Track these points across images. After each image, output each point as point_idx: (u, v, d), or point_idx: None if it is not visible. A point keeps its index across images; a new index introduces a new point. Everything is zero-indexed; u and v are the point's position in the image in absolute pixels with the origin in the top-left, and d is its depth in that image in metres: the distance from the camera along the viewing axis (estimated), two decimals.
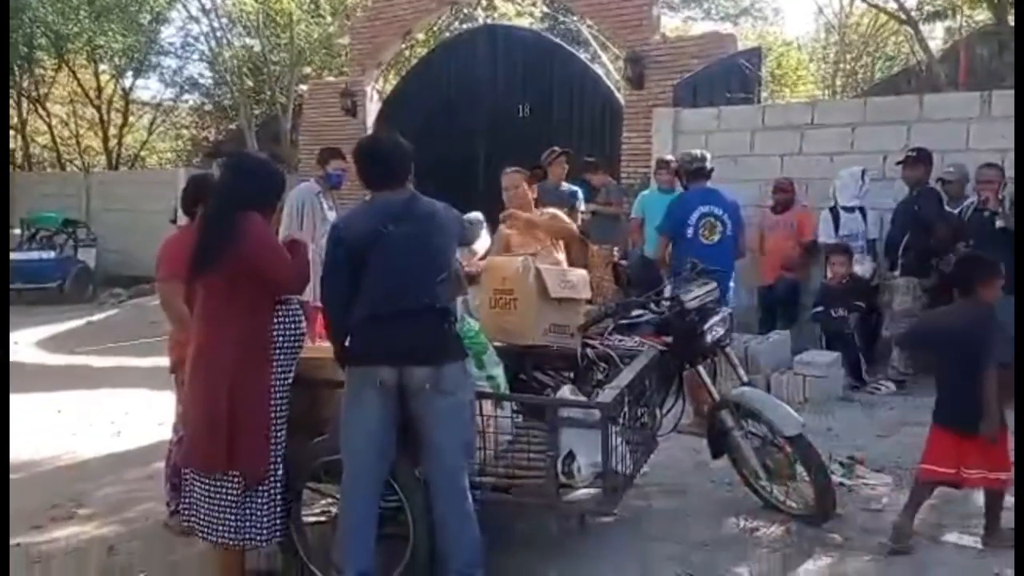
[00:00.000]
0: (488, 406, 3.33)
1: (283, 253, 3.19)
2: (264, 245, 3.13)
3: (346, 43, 15.00)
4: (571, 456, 3.21)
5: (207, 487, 3.14)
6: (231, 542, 3.12)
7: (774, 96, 15.85)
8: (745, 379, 4.14)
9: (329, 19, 18.06)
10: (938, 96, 7.83)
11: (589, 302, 4.38)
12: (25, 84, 19.33)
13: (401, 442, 3.08)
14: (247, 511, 3.11)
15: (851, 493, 4.19)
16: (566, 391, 3.66)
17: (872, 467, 4.57)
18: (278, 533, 3.22)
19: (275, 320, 3.16)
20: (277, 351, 3.15)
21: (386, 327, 2.99)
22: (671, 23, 18.24)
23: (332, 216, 5.89)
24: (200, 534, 3.20)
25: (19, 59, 17.50)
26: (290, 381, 3.20)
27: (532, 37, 12.72)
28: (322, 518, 3.74)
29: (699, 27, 19.75)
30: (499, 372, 3.55)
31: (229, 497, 3.10)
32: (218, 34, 18.18)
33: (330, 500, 3.67)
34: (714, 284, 4.17)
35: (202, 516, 3.16)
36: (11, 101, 18.67)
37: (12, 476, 4.75)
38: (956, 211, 6.20)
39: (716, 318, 4.00)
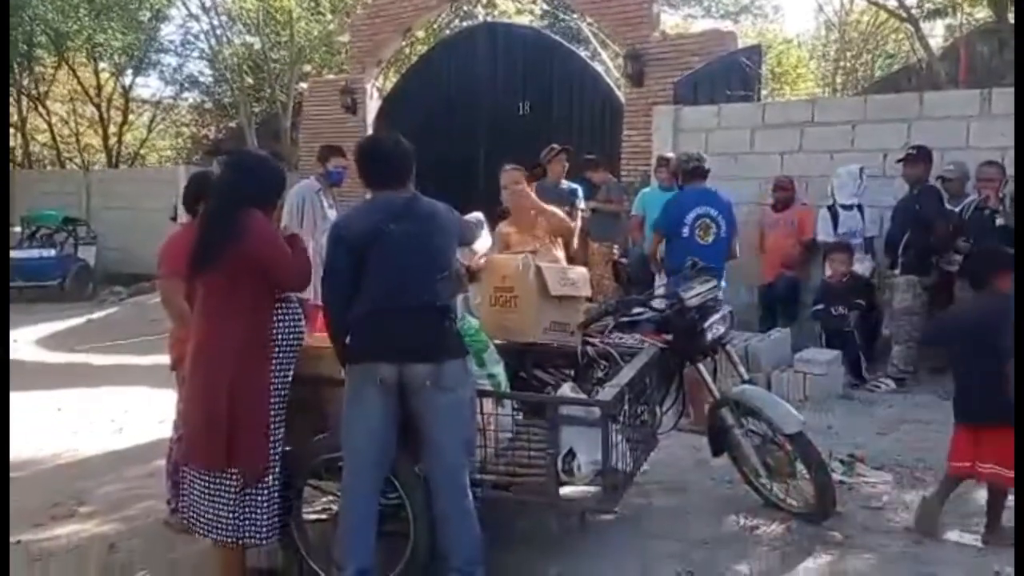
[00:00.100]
0: (488, 404, 3.33)
1: (286, 249, 3.20)
2: (267, 242, 3.13)
3: (346, 41, 15.00)
4: (571, 454, 3.21)
5: (206, 485, 3.14)
6: (230, 540, 3.13)
7: (774, 94, 15.85)
8: (745, 377, 4.13)
9: (329, 16, 18.05)
10: (938, 94, 7.83)
11: (589, 300, 4.39)
12: (25, 82, 19.33)
13: (402, 439, 3.08)
14: (246, 509, 3.11)
15: (851, 491, 4.19)
16: (566, 389, 3.66)
17: (872, 465, 4.57)
18: (277, 531, 3.22)
19: (275, 318, 3.16)
20: (277, 349, 3.15)
21: (386, 324, 2.99)
22: (671, 20, 18.21)
23: (332, 214, 5.89)
24: (199, 532, 3.21)
25: (19, 57, 17.49)
26: (289, 380, 3.20)
27: (532, 35, 12.72)
28: (323, 516, 3.75)
29: (699, 25, 19.73)
30: (499, 370, 3.55)
31: (228, 495, 3.11)
32: (218, 32, 18.17)
33: (331, 498, 3.67)
34: (715, 282, 4.17)
35: (201, 514, 3.16)
36: (11, 99, 18.66)
37: (13, 474, 4.75)
38: (957, 209, 6.19)
39: (716, 316, 4.00)
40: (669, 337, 3.96)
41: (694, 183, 5.71)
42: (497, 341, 3.69)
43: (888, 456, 4.72)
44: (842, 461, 4.52)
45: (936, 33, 14.65)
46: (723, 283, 5.51)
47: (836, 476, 4.15)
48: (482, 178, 10.33)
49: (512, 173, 5.01)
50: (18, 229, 14.84)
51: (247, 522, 3.11)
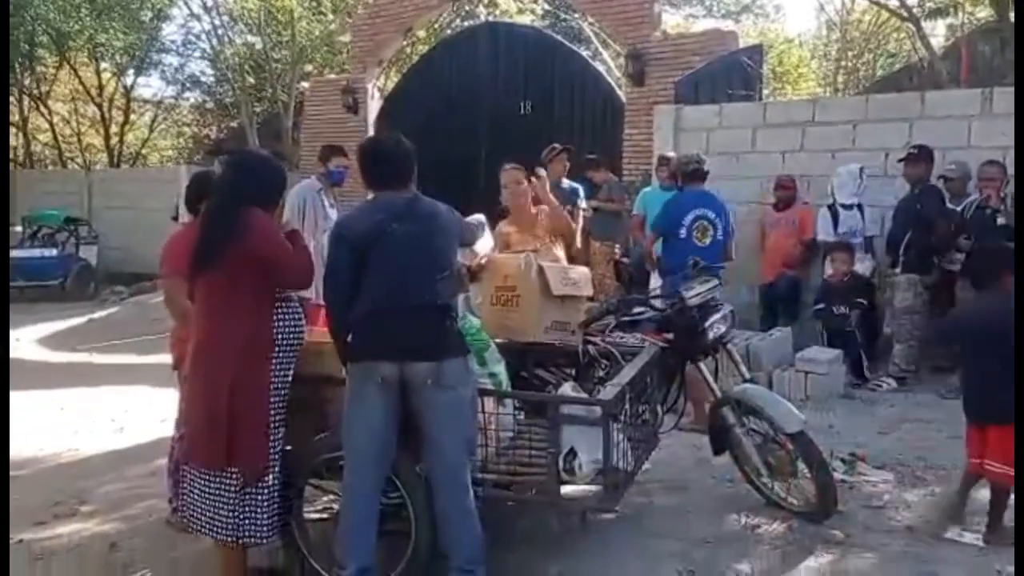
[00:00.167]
0: (490, 403, 3.32)
1: (288, 247, 3.20)
2: (269, 240, 3.13)
3: (347, 40, 15.01)
4: (572, 453, 3.21)
5: (206, 484, 3.14)
6: (229, 539, 3.13)
7: (775, 93, 15.85)
8: (747, 376, 4.13)
9: (330, 16, 18.06)
10: (940, 93, 7.82)
11: (591, 299, 4.38)
12: (27, 82, 19.36)
13: (403, 439, 3.08)
14: (246, 508, 3.11)
15: (852, 490, 4.19)
16: (568, 388, 3.66)
17: (873, 464, 4.57)
18: (277, 530, 3.22)
19: (275, 318, 3.16)
20: (277, 349, 3.15)
21: (387, 323, 3.00)
22: (672, 20, 18.21)
23: (333, 213, 5.89)
24: (198, 531, 3.21)
25: (20, 57, 17.52)
26: (290, 379, 3.20)
27: (533, 34, 12.72)
28: (324, 515, 3.75)
29: (700, 24, 19.74)
30: (501, 369, 3.55)
31: (228, 494, 3.11)
32: (219, 32, 18.19)
33: (332, 497, 3.68)
34: (716, 281, 4.17)
35: (201, 513, 3.16)
36: (12, 99, 18.68)
37: (15, 473, 4.77)
38: (958, 208, 6.19)
39: (717, 315, 4.00)
40: (670, 336, 3.96)
41: (693, 185, 5.71)
42: (498, 340, 3.69)
43: (889, 455, 4.72)
44: (843, 460, 4.52)
45: (937, 32, 14.66)
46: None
47: (837, 475, 4.15)
48: (483, 178, 10.33)
49: (512, 172, 5.00)
50: (19, 229, 14.87)
51: (247, 521, 3.11)
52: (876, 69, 16.51)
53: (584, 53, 13.41)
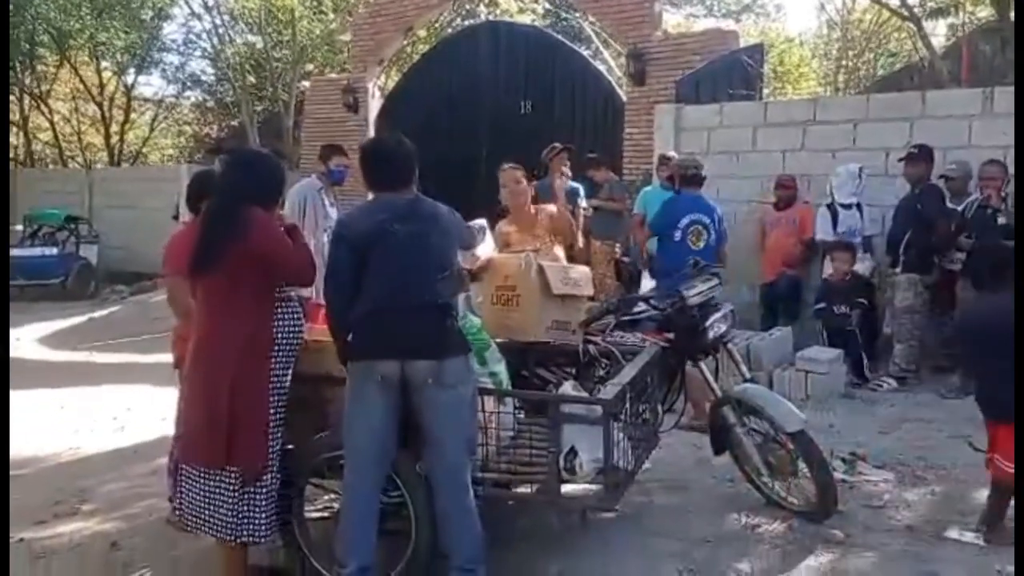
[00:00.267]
0: (490, 402, 3.32)
1: (289, 244, 3.21)
2: (270, 237, 3.14)
3: (348, 40, 15.01)
4: (573, 452, 3.21)
5: (205, 483, 3.15)
6: (228, 538, 3.13)
7: (776, 93, 15.83)
8: (747, 376, 4.13)
9: (331, 15, 18.07)
10: (940, 93, 7.82)
11: (591, 299, 4.38)
12: (27, 81, 19.36)
13: (403, 437, 3.09)
14: (245, 507, 3.11)
15: (852, 490, 4.19)
16: (568, 387, 3.66)
17: (874, 463, 4.57)
18: (276, 529, 3.23)
19: (275, 317, 3.17)
20: (277, 348, 3.16)
21: (388, 322, 3.00)
22: (673, 19, 18.21)
23: (334, 212, 5.90)
24: (197, 530, 3.21)
25: (21, 55, 17.54)
26: (289, 379, 3.21)
27: (534, 34, 12.73)
28: (325, 514, 3.75)
29: (701, 23, 19.76)
30: (501, 368, 3.55)
31: (227, 493, 3.11)
32: (220, 31, 18.20)
33: (332, 496, 3.68)
34: (716, 281, 4.17)
35: (200, 512, 3.16)
36: (13, 97, 18.69)
37: (15, 472, 4.77)
38: (959, 208, 6.18)
39: (718, 314, 4.00)
40: (671, 336, 3.96)
41: (690, 189, 5.87)
42: (499, 340, 3.70)
43: (890, 455, 4.71)
44: (844, 460, 4.51)
45: (938, 32, 14.65)
46: None
47: (838, 475, 4.15)
48: (484, 177, 10.33)
49: (511, 172, 5.00)
50: (20, 227, 14.88)
51: (246, 520, 3.11)
52: (877, 68, 16.50)
53: (585, 52, 13.42)
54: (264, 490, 3.14)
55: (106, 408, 6.55)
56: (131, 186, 16.23)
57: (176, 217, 11.58)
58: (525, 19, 16.66)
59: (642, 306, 4.23)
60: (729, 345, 4.19)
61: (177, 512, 3.39)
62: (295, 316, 3.25)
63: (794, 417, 3.70)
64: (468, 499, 3.06)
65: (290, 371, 3.21)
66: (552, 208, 5.18)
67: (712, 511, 3.97)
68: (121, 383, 7.42)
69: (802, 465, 3.72)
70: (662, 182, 7.45)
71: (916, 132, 6.91)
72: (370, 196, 3.31)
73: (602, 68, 12.68)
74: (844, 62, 16.38)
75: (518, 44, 11.97)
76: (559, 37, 12.82)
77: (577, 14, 16.36)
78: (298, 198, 5.84)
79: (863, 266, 6.71)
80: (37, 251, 14.28)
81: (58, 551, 3.90)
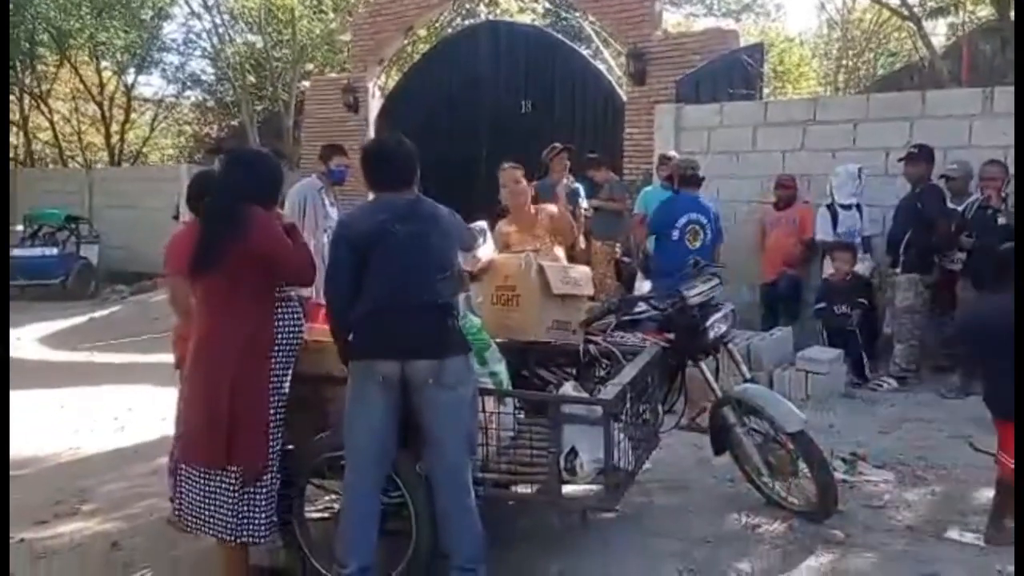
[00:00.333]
0: (491, 402, 3.33)
1: (289, 243, 3.21)
2: (271, 237, 3.14)
3: (348, 39, 15.01)
4: (573, 452, 3.21)
5: (206, 483, 3.15)
6: (229, 538, 3.13)
7: (776, 92, 15.84)
8: (747, 376, 4.13)
9: (331, 15, 18.07)
10: (941, 92, 7.81)
11: (591, 299, 4.39)
12: (27, 80, 19.36)
13: (403, 437, 3.09)
14: (245, 507, 3.11)
15: (853, 489, 4.19)
16: (568, 388, 3.66)
17: (874, 463, 4.57)
18: (275, 529, 3.23)
19: (275, 317, 3.17)
20: (277, 348, 3.16)
21: (388, 321, 3.00)
22: (673, 19, 18.22)
23: (334, 212, 5.91)
24: (197, 530, 3.21)
25: (21, 55, 17.54)
26: (289, 378, 3.21)
27: (534, 33, 12.73)
28: (325, 514, 3.75)
29: (701, 23, 19.76)
30: (501, 368, 3.55)
31: (228, 493, 3.11)
32: (220, 30, 18.19)
33: (333, 496, 3.68)
34: (717, 281, 4.17)
35: (199, 512, 3.16)
36: (13, 97, 18.69)
37: (16, 472, 4.77)
38: (960, 208, 6.18)
39: (718, 314, 4.00)
40: (671, 336, 3.96)
41: (688, 189, 6.06)
42: (499, 340, 3.70)
43: (890, 455, 4.72)
44: (844, 460, 4.51)
45: (938, 31, 14.66)
46: None
47: (838, 475, 4.15)
48: (484, 177, 10.33)
49: (511, 172, 5.01)
50: (20, 227, 14.88)
51: (246, 520, 3.11)
52: (877, 68, 16.50)
53: (585, 52, 13.42)
54: (264, 490, 3.14)
55: (106, 408, 6.55)
56: (131, 186, 16.22)
57: (176, 217, 11.59)
58: (525, 19, 16.67)
59: (642, 306, 4.23)
60: (729, 345, 4.19)
61: (177, 512, 3.39)
62: (295, 316, 3.25)
63: (794, 417, 3.70)
64: (468, 499, 3.06)
65: (290, 371, 3.21)
66: (552, 208, 5.19)
67: (712, 511, 3.97)
68: (121, 383, 7.42)
69: (802, 465, 3.72)
70: (662, 182, 7.45)
71: (916, 132, 6.91)
72: (371, 196, 3.31)
73: (602, 68, 12.68)
74: (844, 62, 16.39)
75: (518, 44, 11.97)
76: (559, 37, 12.82)
77: (577, 13, 16.35)
78: (298, 198, 5.84)
79: (862, 266, 6.71)
80: (37, 251, 14.29)
81: (59, 551, 3.90)
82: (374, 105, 13.11)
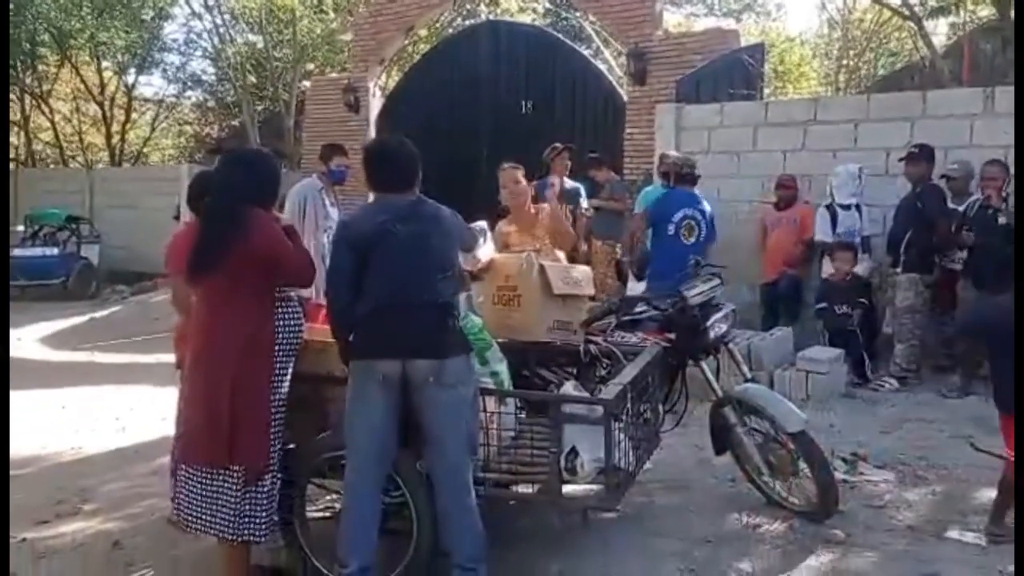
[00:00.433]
0: (491, 402, 3.33)
1: (290, 245, 3.22)
2: (272, 238, 3.15)
3: (349, 39, 15.01)
4: (574, 452, 3.22)
5: (208, 483, 3.15)
6: (231, 537, 3.14)
7: (777, 92, 15.83)
8: (748, 375, 4.14)
9: (332, 15, 18.07)
10: (941, 92, 7.81)
11: (592, 299, 4.39)
12: (28, 80, 19.37)
13: (404, 437, 3.09)
14: (247, 506, 3.12)
15: (853, 489, 4.19)
16: (569, 387, 3.66)
17: (874, 463, 4.57)
18: (276, 527, 3.24)
19: (275, 317, 3.17)
20: (278, 348, 3.16)
21: (389, 321, 3.00)
22: (674, 19, 18.21)
23: (334, 212, 5.91)
24: (198, 530, 3.21)
25: (22, 55, 17.55)
26: (289, 378, 3.21)
27: (535, 33, 12.72)
28: (326, 514, 3.75)
29: (702, 23, 19.75)
30: (502, 368, 3.55)
31: (229, 493, 3.12)
32: (221, 30, 18.20)
33: (334, 496, 3.68)
34: (718, 281, 4.17)
35: (201, 512, 3.17)
36: (14, 97, 18.70)
37: (17, 472, 4.77)
38: (961, 208, 6.18)
39: (719, 314, 4.01)
40: (672, 336, 3.97)
41: (684, 186, 6.17)
42: (500, 339, 3.70)
43: (890, 455, 4.72)
44: (844, 459, 4.52)
45: (939, 31, 14.65)
46: None
47: (838, 475, 4.15)
48: (484, 176, 10.33)
49: (511, 172, 5.00)
50: (21, 228, 14.89)
51: (247, 519, 3.12)
52: (877, 68, 16.51)
53: (585, 52, 13.42)
54: (266, 489, 3.14)
55: (107, 408, 6.56)
56: (132, 186, 16.23)
57: (177, 217, 11.60)
58: (525, 18, 16.67)
59: (643, 306, 4.23)
60: (730, 345, 4.20)
61: (176, 512, 3.40)
62: (295, 316, 3.26)
63: (795, 417, 3.70)
64: (469, 498, 3.06)
65: (290, 371, 3.22)
66: (549, 207, 5.18)
67: (713, 511, 3.97)
68: (122, 383, 7.42)
69: (803, 465, 3.73)
70: (663, 181, 7.45)
71: (917, 132, 6.90)
72: (371, 197, 3.31)
73: (603, 68, 12.67)
74: (845, 61, 16.39)
75: (519, 44, 11.96)
76: (560, 37, 12.81)
77: (578, 13, 16.35)
78: (299, 198, 5.85)
79: (861, 267, 6.71)
80: (38, 251, 14.29)
81: (60, 550, 3.90)
82: (375, 105, 13.11)
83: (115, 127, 20.57)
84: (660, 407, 3.93)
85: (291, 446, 3.34)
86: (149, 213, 14.53)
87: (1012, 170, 6.05)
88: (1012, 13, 10.22)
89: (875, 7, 14.33)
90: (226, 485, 3.12)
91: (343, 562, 3.05)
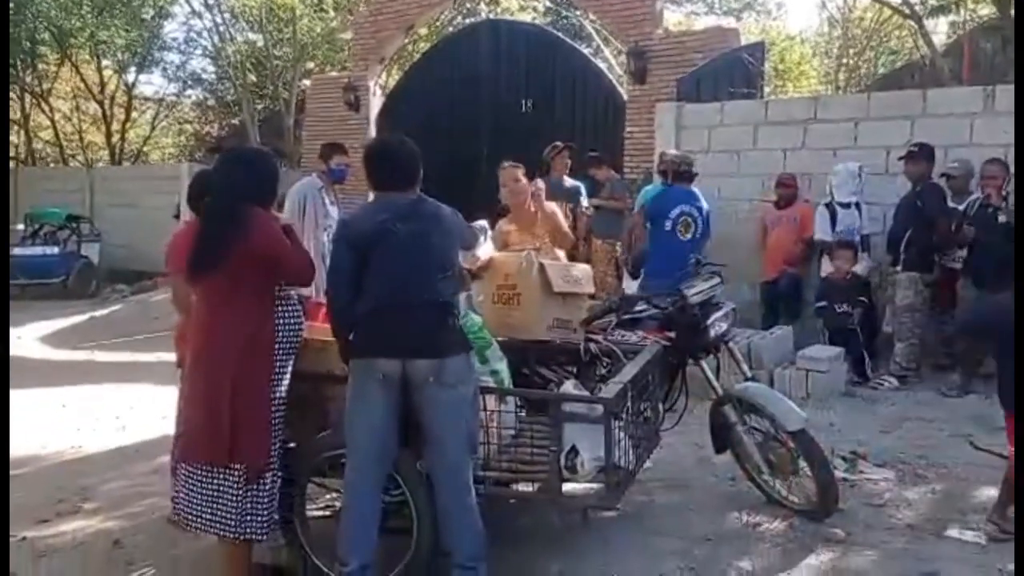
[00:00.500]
0: (491, 401, 3.33)
1: (289, 244, 3.22)
2: (272, 237, 3.15)
3: (349, 38, 15.00)
4: (574, 451, 3.22)
5: (208, 481, 3.15)
6: (232, 535, 3.14)
7: (777, 91, 15.82)
8: (748, 374, 4.14)
9: (332, 14, 18.06)
10: (941, 91, 7.80)
11: (592, 297, 4.39)
12: (28, 79, 19.36)
13: (404, 436, 3.09)
14: (248, 504, 3.12)
15: (853, 488, 4.19)
16: (569, 386, 3.66)
17: (874, 462, 4.57)
18: (277, 526, 3.24)
19: (275, 317, 3.18)
20: (278, 347, 3.16)
21: (389, 320, 3.01)
22: (674, 17, 18.19)
23: (334, 211, 5.91)
24: (198, 529, 3.22)
25: (22, 54, 17.54)
26: (289, 377, 3.21)
27: (535, 32, 12.73)
28: (326, 512, 3.76)
29: (702, 21, 19.73)
30: (502, 367, 3.55)
31: (230, 491, 3.12)
32: (221, 29, 18.19)
33: (334, 495, 3.69)
34: (718, 279, 4.18)
35: (201, 511, 3.17)
36: (14, 96, 18.69)
37: (17, 471, 4.78)
38: (961, 207, 6.18)
39: (719, 313, 4.01)
40: (672, 334, 3.97)
41: (681, 184, 6.25)
42: (500, 338, 3.70)
43: (890, 453, 4.72)
44: (844, 458, 4.52)
45: (939, 30, 14.66)
46: None
47: (838, 473, 4.15)
48: (484, 175, 10.33)
49: (511, 170, 5.00)
50: (21, 226, 14.90)
51: (248, 517, 3.12)
52: (878, 67, 16.50)
53: (586, 51, 13.42)
54: (266, 488, 3.15)
55: (108, 407, 6.56)
56: (132, 185, 16.22)
57: (177, 216, 11.60)
58: (526, 17, 16.67)
59: (643, 305, 4.23)
60: (730, 344, 4.20)
61: (176, 512, 3.40)
62: (295, 315, 3.26)
63: (795, 415, 3.71)
64: (469, 497, 3.06)
65: (290, 369, 3.22)
66: (550, 205, 5.18)
67: (713, 509, 3.98)
68: (123, 382, 7.43)
69: (803, 463, 3.73)
70: (663, 180, 7.45)
71: (917, 130, 6.90)
72: (371, 196, 3.31)
73: (603, 66, 12.67)
74: (845, 60, 16.39)
75: (519, 42, 11.96)
76: (560, 35, 12.81)
77: (578, 12, 16.34)
78: (298, 197, 5.85)
79: (861, 266, 6.71)
80: (38, 250, 14.29)
81: (60, 549, 3.91)
82: (375, 104, 13.10)
83: (115, 126, 20.56)
84: (660, 406, 3.93)
85: (291, 445, 3.35)
86: (149, 212, 14.53)
87: (1012, 169, 6.04)
88: (1012, 12, 10.21)
89: (875, 6, 14.33)
90: (227, 484, 3.12)
91: (343, 560, 3.06)
